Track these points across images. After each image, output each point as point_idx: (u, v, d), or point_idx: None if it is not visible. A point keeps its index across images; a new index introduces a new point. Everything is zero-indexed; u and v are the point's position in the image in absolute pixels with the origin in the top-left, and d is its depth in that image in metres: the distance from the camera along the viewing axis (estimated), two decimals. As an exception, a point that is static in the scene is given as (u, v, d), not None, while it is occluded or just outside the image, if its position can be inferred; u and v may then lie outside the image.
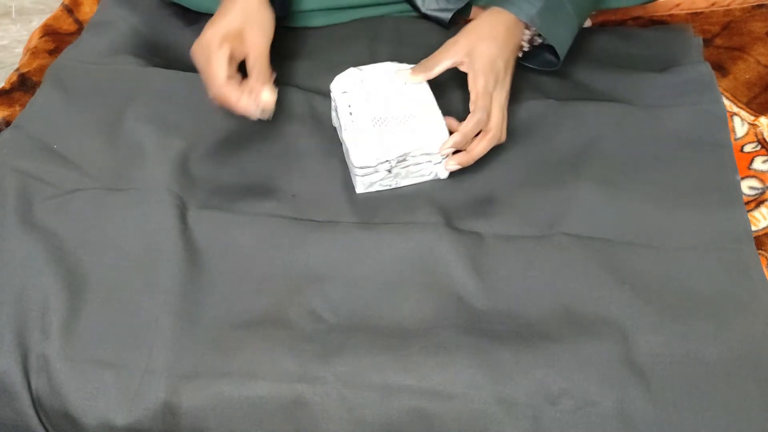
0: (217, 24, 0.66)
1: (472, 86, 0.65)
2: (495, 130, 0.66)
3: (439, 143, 0.66)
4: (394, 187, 0.70)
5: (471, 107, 0.65)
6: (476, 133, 0.66)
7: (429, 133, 0.66)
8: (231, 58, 0.65)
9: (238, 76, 0.65)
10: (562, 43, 0.71)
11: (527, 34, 0.71)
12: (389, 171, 0.67)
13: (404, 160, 0.66)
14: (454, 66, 0.68)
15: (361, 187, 0.69)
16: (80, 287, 0.61)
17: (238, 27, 0.66)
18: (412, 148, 0.66)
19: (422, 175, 0.69)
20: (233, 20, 0.66)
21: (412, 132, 0.66)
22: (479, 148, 0.66)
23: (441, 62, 0.68)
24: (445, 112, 0.69)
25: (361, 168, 0.66)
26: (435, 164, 0.68)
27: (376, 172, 0.67)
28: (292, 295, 0.61)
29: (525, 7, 0.67)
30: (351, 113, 0.68)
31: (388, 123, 0.67)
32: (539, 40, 0.73)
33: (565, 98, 0.76)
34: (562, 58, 0.72)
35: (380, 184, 0.69)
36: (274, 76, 0.67)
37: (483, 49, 0.66)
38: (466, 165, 0.67)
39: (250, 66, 0.66)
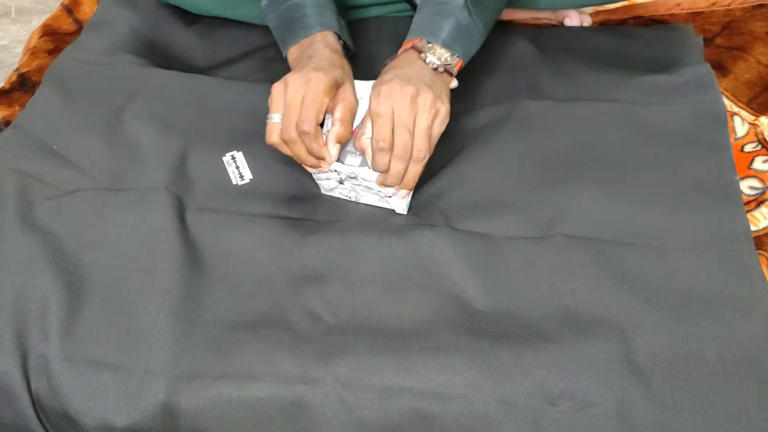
0: (327, 71, 0.63)
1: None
2: (398, 150, 0.61)
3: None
4: (353, 200, 0.68)
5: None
6: (385, 158, 0.62)
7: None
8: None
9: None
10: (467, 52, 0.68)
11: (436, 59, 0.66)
12: (341, 182, 0.66)
13: (355, 178, 0.64)
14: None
15: (321, 188, 0.69)
16: (80, 288, 0.61)
17: (341, 78, 0.64)
18: (358, 172, 0.63)
19: (379, 200, 0.67)
20: (333, 70, 0.64)
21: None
22: (402, 175, 0.62)
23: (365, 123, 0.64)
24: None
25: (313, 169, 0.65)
26: (385, 197, 0.66)
27: (328, 179, 0.66)
28: (291, 296, 0.61)
29: (435, 31, 0.65)
30: (328, 116, 0.65)
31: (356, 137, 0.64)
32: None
33: (564, 98, 0.75)
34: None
35: (339, 192, 0.68)
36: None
37: (391, 75, 0.63)
38: (408, 190, 0.64)
39: (340, 119, 0.64)
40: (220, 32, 0.86)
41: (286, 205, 0.68)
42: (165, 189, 0.67)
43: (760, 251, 0.63)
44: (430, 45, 0.65)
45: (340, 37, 0.71)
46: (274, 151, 0.68)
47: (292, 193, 0.69)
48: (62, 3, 0.93)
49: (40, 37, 0.89)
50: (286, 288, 0.62)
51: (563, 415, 0.53)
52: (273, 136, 0.63)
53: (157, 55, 0.83)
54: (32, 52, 0.87)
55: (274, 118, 0.63)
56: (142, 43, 0.83)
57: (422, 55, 0.65)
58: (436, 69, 0.65)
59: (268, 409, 0.55)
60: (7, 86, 0.82)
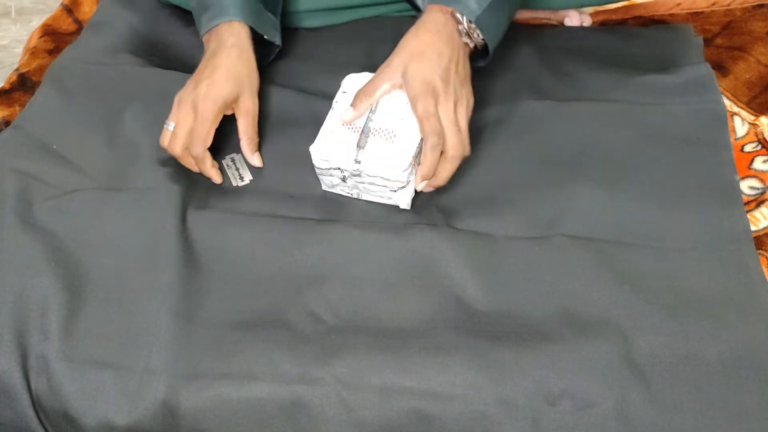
0: (214, 88, 0.66)
1: (414, 112, 0.62)
2: (453, 150, 0.62)
3: (396, 172, 0.62)
4: (355, 197, 0.68)
5: (421, 134, 0.62)
6: (438, 156, 0.62)
7: (389, 159, 0.63)
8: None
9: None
10: (495, 43, 0.67)
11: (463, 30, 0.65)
12: (344, 180, 0.66)
13: (359, 175, 0.64)
14: (393, 89, 0.64)
15: (323, 184, 0.69)
16: (80, 287, 0.61)
17: (233, 94, 0.68)
18: (366, 168, 0.63)
19: (381, 197, 0.67)
20: (226, 86, 0.67)
21: (373, 152, 0.63)
22: (444, 173, 0.63)
23: (379, 87, 0.64)
24: None
25: (315, 166, 0.66)
26: (392, 191, 0.65)
27: (330, 175, 0.66)
28: (291, 295, 0.61)
29: (471, 5, 0.64)
30: (333, 110, 0.67)
31: (362, 133, 0.64)
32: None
33: (565, 98, 0.75)
34: (489, 60, 0.69)
35: (341, 189, 0.68)
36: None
37: (415, 70, 0.62)
38: (436, 187, 0.65)
39: (242, 132, 0.69)
40: (220, 32, 0.86)
41: (286, 205, 0.68)
42: (165, 189, 0.67)
43: (760, 251, 0.63)
44: (469, 21, 0.64)
45: (256, 31, 0.72)
46: (274, 151, 0.69)
47: (292, 193, 0.69)
48: (62, 3, 0.93)
49: (40, 37, 0.89)
50: (285, 288, 0.62)
51: (563, 415, 0.53)
52: (164, 141, 0.68)
53: (157, 55, 0.83)
54: (32, 52, 0.87)
55: (170, 126, 0.68)
56: (142, 43, 0.83)
57: (460, 27, 0.64)
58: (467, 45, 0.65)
59: (268, 409, 0.55)
60: (7, 86, 0.82)
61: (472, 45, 0.66)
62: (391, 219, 0.67)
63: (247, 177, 0.71)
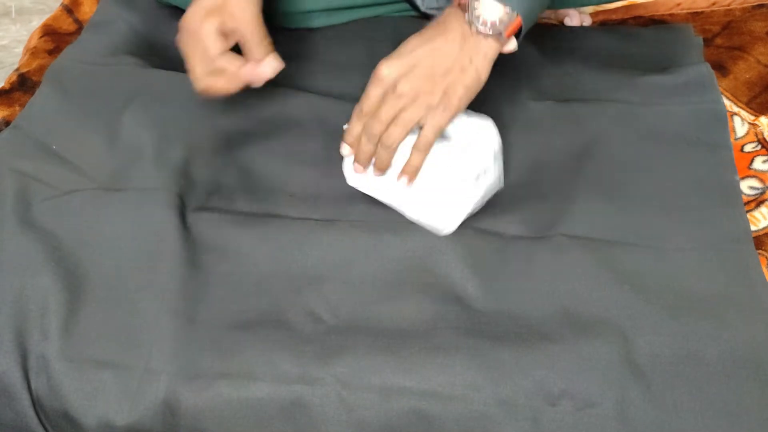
0: (196, 2, 0.61)
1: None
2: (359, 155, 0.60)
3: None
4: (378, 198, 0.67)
5: None
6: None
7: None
8: (221, 34, 0.61)
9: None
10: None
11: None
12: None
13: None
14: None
15: (347, 179, 0.67)
16: (79, 287, 0.61)
17: (219, 1, 0.60)
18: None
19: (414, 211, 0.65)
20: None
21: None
22: (377, 157, 0.60)
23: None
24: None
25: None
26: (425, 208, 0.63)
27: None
28: (291, 295, 0.61)
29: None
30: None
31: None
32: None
33: (565, 99, 0.75)
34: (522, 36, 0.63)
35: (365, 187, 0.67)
36: (270, 45, 0.62)
37: (395, 52, 0.59)
38: (380, 171, 0.62)
39: (244, 40, 0.61)
40: (220, 32, 0.86)
41: (286, 205, 0.68)
42: (165, 189, 0.67)
43: (760, 251, 0.63)
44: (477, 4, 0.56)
45: None
46: (274, 151, 0.69)
47: (292, 193, 0.69)
48: (62, 3, 0.93)
49: (40, 37, 0.89)
50: (285, 288, 0.62)
51: (563, 415, 0.53)
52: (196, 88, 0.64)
53: (157, 55, 0.83)
54: (32, 52, 0.87)
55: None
56: (142, 43, 0.83)
57: (467, 15, 0.57)
58: (481, 33, 0.57)
59: (268, 409, 0.55)
60: (7, 86, 0.82)
61: (489, 32, 0.57)
62: (391, 219, 0.66)
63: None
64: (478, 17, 0.57)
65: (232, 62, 0.61)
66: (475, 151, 0.62)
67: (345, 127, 0.63)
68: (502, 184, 0.65)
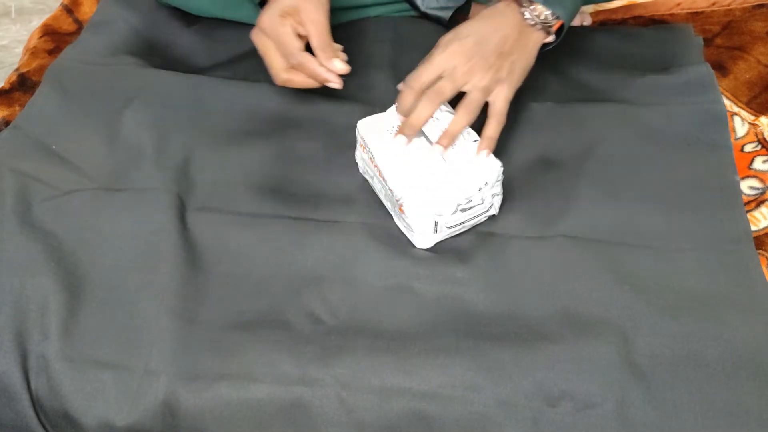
0: (272, 5, 0.65)
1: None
2: (431, 92, 0.62)
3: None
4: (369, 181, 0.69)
5: None
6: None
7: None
8: (296, 35, 0.65)
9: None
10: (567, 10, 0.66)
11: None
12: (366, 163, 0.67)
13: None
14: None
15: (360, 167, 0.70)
16: (79, 288, 0.61)
17: (293, 4, 0.64)
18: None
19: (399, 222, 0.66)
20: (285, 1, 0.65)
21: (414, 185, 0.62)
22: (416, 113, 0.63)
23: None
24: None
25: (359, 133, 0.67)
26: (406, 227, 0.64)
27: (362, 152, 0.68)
28: (291, 296, 0.61)
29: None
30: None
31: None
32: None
33: (565, 100, 0.75)
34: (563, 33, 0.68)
35: (360, 160, 0.69)
36: (340, 49, 0.66)
37: (462, 29, 0.64)
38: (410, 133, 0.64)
39: (314, 42, 0.64)
40: (220, 33, 0.86)
41: (286, 205, 0.68)
42: (165, 189, 0.67)
43: (760, 251, 0.63)
44: (530, 3, 0.64)
45: None
46: (275, 152, 0.68)
47: (292, 193, 0.69)
48: (62, 3, 0.93)
49: (40, 37, 0.89)
50: (285, 288, 0.62)
51: (563, 416, 0.53)
52: (276, 81, 0.67)
53: (157, 55, 0.83)
54: (32, 52, 0.87)
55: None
56: (142, 43, 0.83)
57: (521, 9, 0.64)
58: (533, 25, 0.64)
59: (268, 410, 0.55)
60: (7, 86, 0.82)
61: (539, 27, 0.65)
62: (391, 220, 0.66)
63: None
64: (533, 10, 0.64)
65: (309, 59, 0.64)
66: (462, 182, 0.61)
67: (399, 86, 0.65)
68: (495, 211, 0.65)
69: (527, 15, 0.64)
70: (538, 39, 0.66)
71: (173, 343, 0.58)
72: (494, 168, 0.62)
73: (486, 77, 0.63)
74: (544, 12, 0.64)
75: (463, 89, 0.63)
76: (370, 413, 0.54)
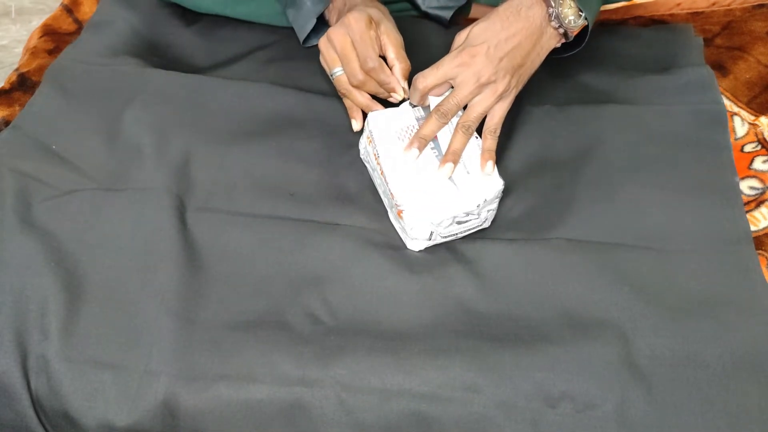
0: (360, 10, 0.66)
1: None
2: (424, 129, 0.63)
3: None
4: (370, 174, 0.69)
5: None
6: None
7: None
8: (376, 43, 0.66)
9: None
10: (593, 14, 0.65)
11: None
12: (370, 159, 0.68)
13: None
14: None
15: (361, 149, 0.70)
16: (79, 288, 0.61)
17: (379, 17, 0.67)
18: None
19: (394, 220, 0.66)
20: (373, 11, 0.67)
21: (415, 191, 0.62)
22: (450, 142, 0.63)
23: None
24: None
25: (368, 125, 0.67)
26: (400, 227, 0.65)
27: (366, 150, 0.68)
28: (290, 296, 0.61)
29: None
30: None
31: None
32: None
33: (564, 102, 0.75)
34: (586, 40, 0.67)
35: (364, 152, 0.70)
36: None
37: (475, 30, 0.63)
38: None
39: (394, 52, 0.67)
40: (221, 32, 0.86)
41: (286, 206, 0.68)
42: (165, 189, 0.67)
43: (760, 251, 0.63)
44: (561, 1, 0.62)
45: None
46: (274, 152, 0.68)
47: (292, 192, 0.69)
48: (62, 3, 0.93)
49: (40, 37, 0.89)
50: (285, 289, 0.62)
51: (563, 417, 0.53)
52: (342, 87, 0.69)
53: (157, 55, 0.83)
54: (32, 52, 0.87)
55: (337, 72, 0.68)
56: (142, 43, 0.83)
57: (550, 10, 0.62)
58: (557, 28, 0.63)
59: (268, 410, 0.55)
60: (7, 86, 0.82)
61: (561, 31, 0.63)
62: (390, 223, 0.66)
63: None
64: (560, 12, 0.62)
65: (385, 67, 0.67)
66: (463, 196, 0.61)
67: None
68: (488, 225, 0.65)
69: (552, 14, 0.62)
70: (551, 44, 0.65)
71: (173, 343, 0.58)
72: (495, 186, 0.62)
73: (490, 97, 0.63)
74: (570, 15, 0.62)
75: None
76: (370, 414, 0.54)
